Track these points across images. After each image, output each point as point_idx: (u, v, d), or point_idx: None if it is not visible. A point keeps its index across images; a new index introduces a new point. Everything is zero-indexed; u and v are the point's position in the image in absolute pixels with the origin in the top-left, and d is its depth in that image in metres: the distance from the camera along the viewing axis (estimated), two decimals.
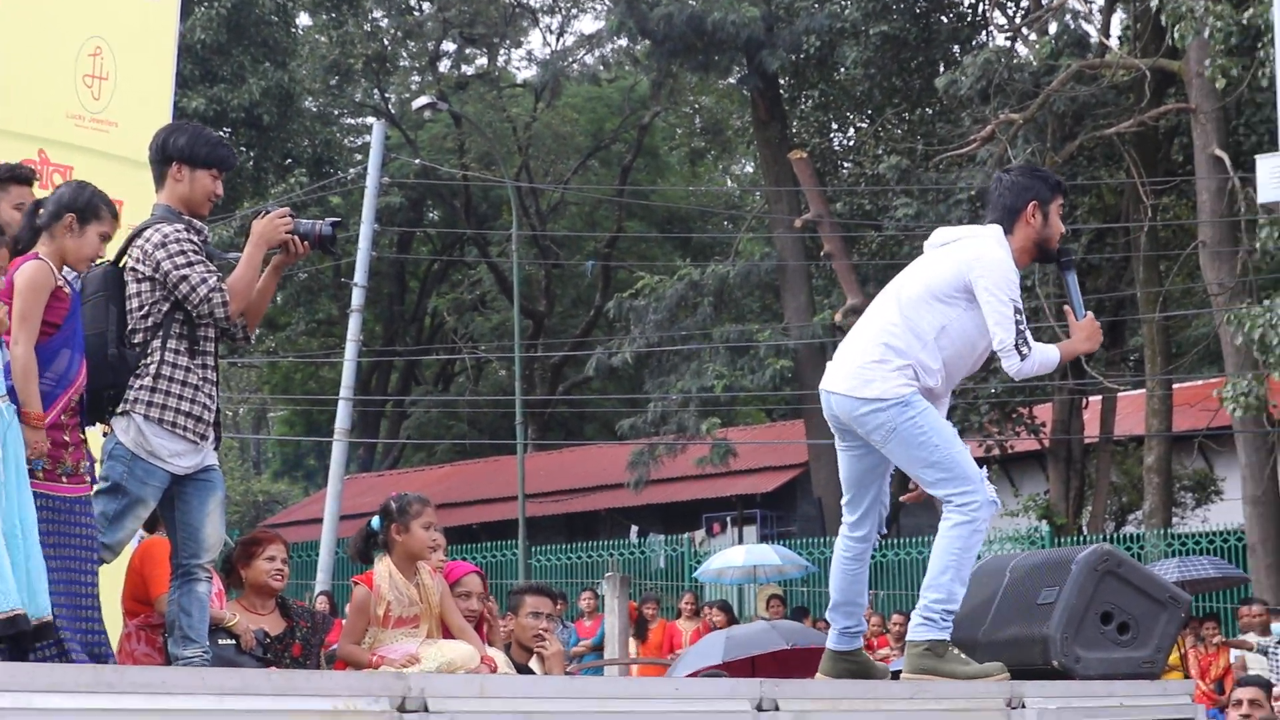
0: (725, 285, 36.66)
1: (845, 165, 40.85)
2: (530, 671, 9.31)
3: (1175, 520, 35.43)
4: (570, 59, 49.74)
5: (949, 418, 8.14)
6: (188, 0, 37.31)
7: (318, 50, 46.31)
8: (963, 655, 7.67)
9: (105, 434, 7.68)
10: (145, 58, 11.22)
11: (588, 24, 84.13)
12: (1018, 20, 35.28)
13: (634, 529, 38.51)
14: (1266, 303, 23.88)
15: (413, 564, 8.43)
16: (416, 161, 47.03)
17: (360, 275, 32.62)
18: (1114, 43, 32.02)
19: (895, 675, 8.10)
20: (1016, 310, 7.69)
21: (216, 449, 7.78)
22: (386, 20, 51.60)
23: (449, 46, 54.03)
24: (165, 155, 7.78)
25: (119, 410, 7.54)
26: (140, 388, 7.51)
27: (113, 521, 7.53)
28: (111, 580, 8.34)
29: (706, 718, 6.05)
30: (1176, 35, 25.41)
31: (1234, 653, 20.68)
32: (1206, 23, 24.59)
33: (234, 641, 8.58)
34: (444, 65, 54.61)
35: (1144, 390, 34.19)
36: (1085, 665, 7.84)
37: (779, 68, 37.13)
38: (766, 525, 41.10)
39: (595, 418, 52.79)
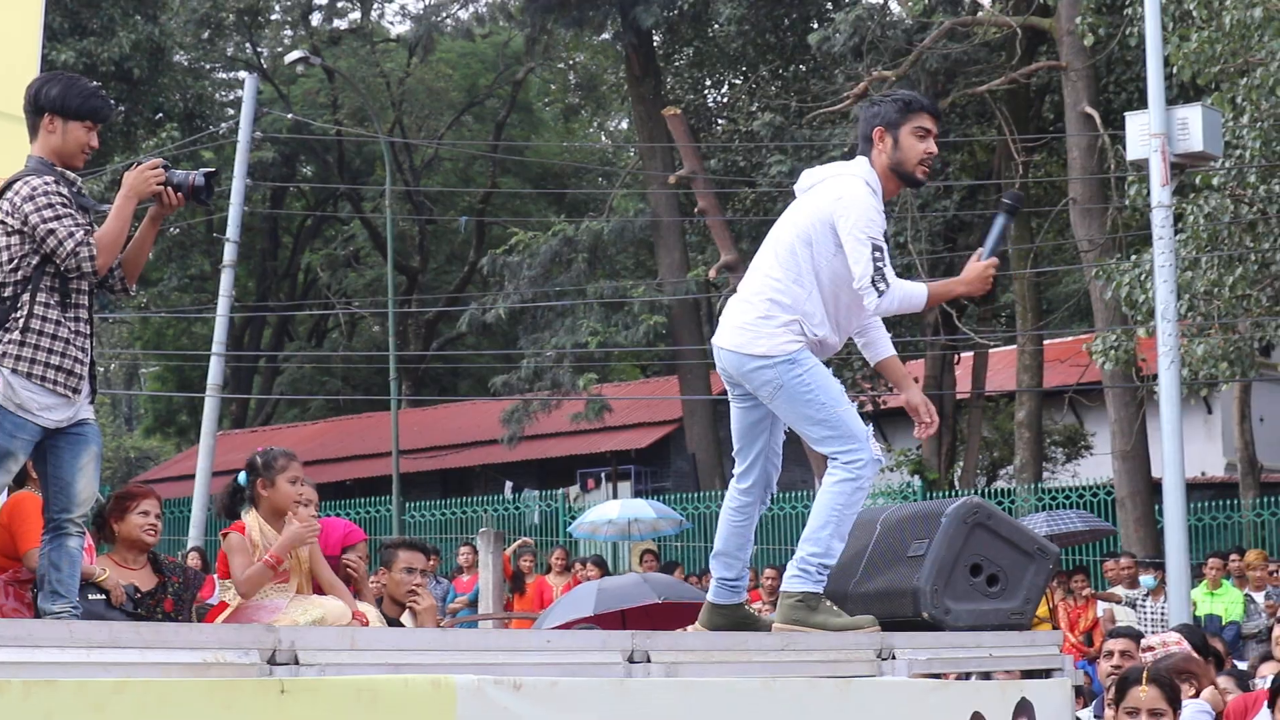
0: (599, 242, 36.65)
1: (719, 122, 40.93)
2: (402, 626, 9.32)
3: (1046, 475, 35.86)
4: (444, 14, 49.39)
5: None
6: None
7: (189, 3, 45.75)
8: (834, 607, 7.71)
9: None
10: (12, 9, 11.05)
11: None
12: None
13: (509, 485, 38.48)
14: (1135, 259, 24.15)
15: (280, 519, 8.45)
16: (289, 116, 46.62)
17: (233, 230, 32.41)
18: (986, 0, 32.21)
19: None
20: (875, 248, 7.65)
21: (92, 402, 7.71)
22: None
23: (321, 0, 53.59)
24: (38, 106, 7.68)
25: None
26: (9, 341, 7.43)
27: None
28: None
29: (578, 669, 6.05)
30: None
31: (1102, 605, 20.99)
32: None
33: (104, 596, 8.50)
34: (316, 19, 54.14)
35: (1015, 346, 34.56)
36: (955, 616, 7.89)
37: (653, 24, 37.15)
38: (641, 481, 41.26)
39: (470, 374, 52.69)
